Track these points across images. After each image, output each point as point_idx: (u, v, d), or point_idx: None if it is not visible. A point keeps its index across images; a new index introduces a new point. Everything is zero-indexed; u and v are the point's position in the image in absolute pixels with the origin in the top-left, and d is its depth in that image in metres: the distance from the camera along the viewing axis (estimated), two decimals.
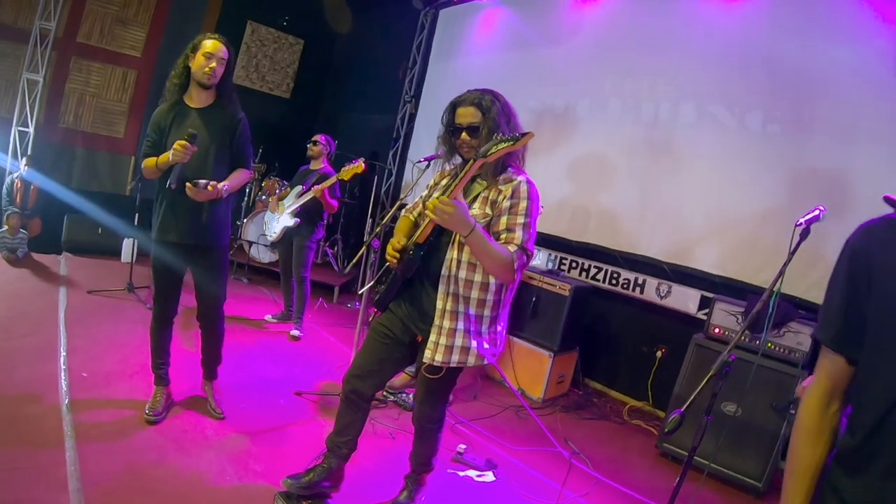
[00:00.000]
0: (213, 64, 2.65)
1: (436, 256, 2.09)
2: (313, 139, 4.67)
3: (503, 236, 1.99)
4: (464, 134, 2.07)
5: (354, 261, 3.58)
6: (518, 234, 1.98)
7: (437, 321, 2.09)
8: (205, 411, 3.02)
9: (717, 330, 3.46)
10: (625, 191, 4.58)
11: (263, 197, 6.34)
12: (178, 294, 2.87)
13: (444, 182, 2.24)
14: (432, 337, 2.09)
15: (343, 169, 4.33)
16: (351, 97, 8.04)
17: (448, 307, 2.07)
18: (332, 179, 4.38)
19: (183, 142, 2.53)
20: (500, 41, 5.86)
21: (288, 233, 4.61)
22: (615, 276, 4.55)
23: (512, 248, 1.97)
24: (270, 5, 7.49)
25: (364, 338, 2.33)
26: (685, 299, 4.12)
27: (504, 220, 2.00)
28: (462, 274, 2.05)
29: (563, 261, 4.90)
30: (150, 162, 2.65)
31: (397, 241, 2.16)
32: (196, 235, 2.74)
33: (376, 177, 6.56)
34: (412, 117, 6.89)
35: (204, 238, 2.75)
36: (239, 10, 7.21)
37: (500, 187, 2.03)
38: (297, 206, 4.54)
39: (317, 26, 7.85)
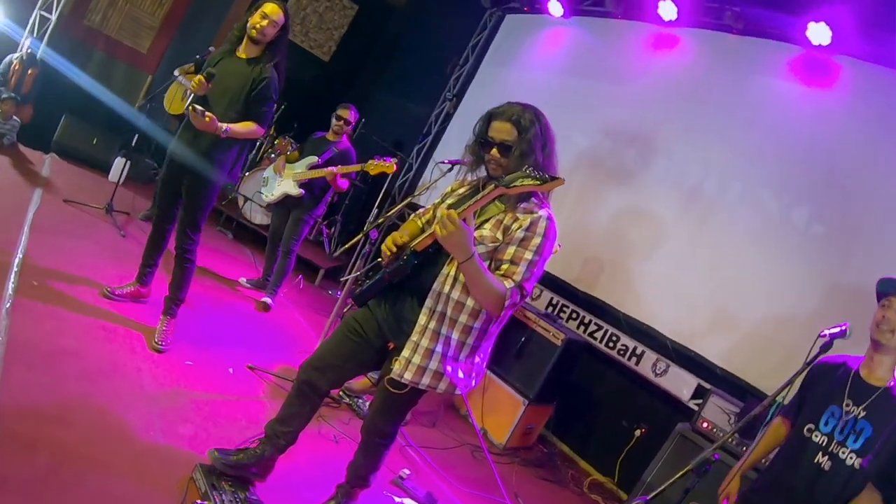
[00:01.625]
0: (265, 23, 3.08)
1: (430, 269, 2.08)
2: (345, 118, 4.67)
3: (504, 267, 1.99)
4: (494, 150, 2.06)
5: (347, 246, 3.59)
6: (521, 270, 1.98)
7: (414, 337, 2.08)
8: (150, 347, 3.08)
9: (705, 424, 3.44)
10: (648, 253, 4.59)
11: (272, 155, 6.35)
12: (173, 210, 3.30)
13: (461, 191, 2.24)
14: (405, 352, 2.08)
15: (371, 162, 4.31)
16: (390, 78, 8.08)
17: (430, 325, 2.06)
18: (356, 168, 4.39)
19: (200, 77, 3.01)
20: (560, 62, 5.91)
21: (287, 201, 4.62)
22: (614, 338, 4.54)
23: (509, 283, 1.96)
24: None
25: (333, 330, 2.32)
26: (680, 383, 4.11)
27: (512, 250, 2.00)
28: (454, 294, 2.04)
29: (565, 308, 4.89)
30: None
31: (400, 235, 2.16)
32: (188, 158, 3.12)
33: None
34: (448, 117, 6.93)
35: (194, 163, 3.10)
36: None
37: (518, 215, 2.02)
38: (306, 177, 4.54)
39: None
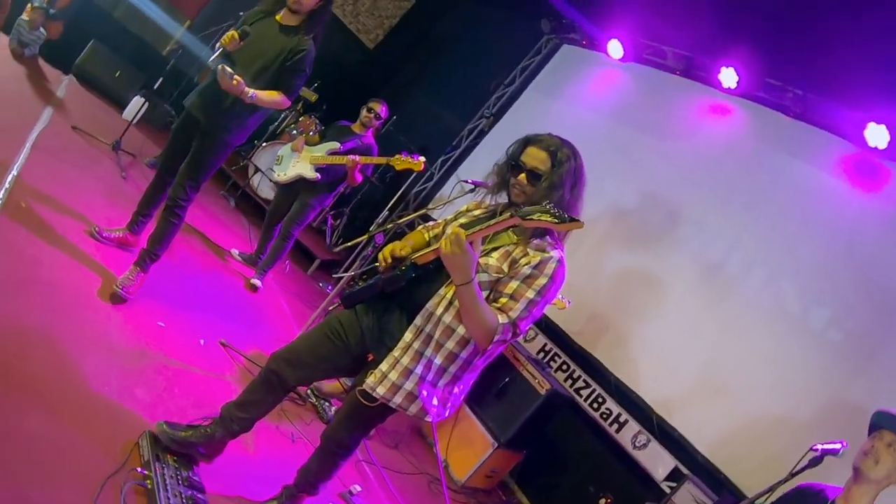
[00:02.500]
0: None
1: (427, 286, 2.08)
2: (377, 112, 4.70)
3: (503, 300, 1.99)
4: (523, 175, 2.07)
5: (349, 244, 3.59)
6: (518, 308, 1.98)
7: (396, 352, 2.08)
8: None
9: None
10: (654, 321, 4.59)
11: (294, 132, 6.40)
12: (179, 163, 3.27)
13: (476, 212, 2.26)
14: (383, 366, 2.08)
15: (398, 157, 4.32)
16: (431, 81, 8.14)
17: (414, 345, 2.06)
18: (381, 160, 4.41)
19: (234, 33, 3.00)
20: (608, 105, 5.96)
21: (298, 183, 4.63)
22: (600, 400, 4.52)
23: (503, 318, 1.96)
24: None
25: (315, 325, 2.32)
26: (657, 461, 4.07)
27: (514, 285, 2.00)
28: (446, 318, 2.04)
29: (556, 357, 4.88)
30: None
31: (401, 247, 2.16)
32: (207, 114, 3.15)
33: (415, 173, 6.57)
34: (482, 134, 6.98)
35: (210, 120, 3.13)
36: None
37: (529, 250, 2.02)
38: (324, 162, 4.56)
39: None
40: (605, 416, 4.44)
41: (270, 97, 3.12)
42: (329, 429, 2.39)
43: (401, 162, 4.31)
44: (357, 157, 4.44)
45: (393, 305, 2.18)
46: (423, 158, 4.33)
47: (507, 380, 4.29)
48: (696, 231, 4.76)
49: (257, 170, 6.08)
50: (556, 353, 4.89)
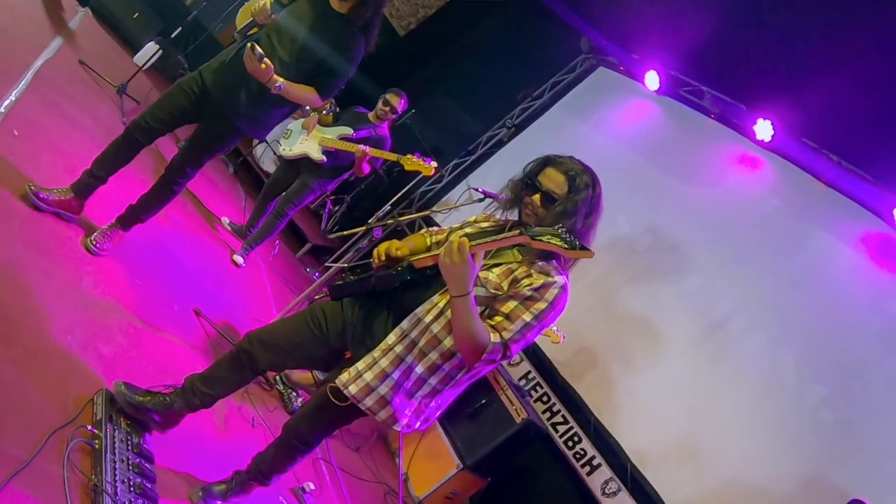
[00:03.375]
0: None
1: (420, 291, 2.09)
2: (393, 106, 4.69)
3: (498, 319, 2.00)
4: (537, 196, 2.08)
5: (345, 233, 3.60)
6: (513, 329, 1.98)
7: (375, 353, 2.08)
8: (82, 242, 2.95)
9: None
10: (645, 369, 4.60)
11: (308, 109, 6.39)
12: (168, 124, 2.93)
13: (484, 224, 2.27)
14: (360, 365, 2.08)
15: (409, 157, 4.30)
16: (457, 80, 8.11)
17: (396, 349, 2.06)
18: (391, 156, 4.41)
19: (268, 1, 2.70)
20: (636, 136, 5.99)
21: (303, 162, 4.63)
22: (576, 439, 4.53)
23: (495, 337, 1.96)
24: None
25: (297, 311, 2.32)
26: None
27: (512, 305, 2.00)
28: (434, 327, 2.04)
29: (538, 387, 4.89)
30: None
31: (398, 247, 2.16)
32: (226, 97, 2.84)
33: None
34: (500, 144, 7.00)
35: (230, 104, 2.84)
36: None
37: (532, 271, 2.03)
38: (333, 146, 4.56)
39: None
40: (578, 456, 4.45)
41: (303, 93, 2.81)
42: (292, 420, 2.38)
43: (411, 163, 4.31)
44: (367, 148, 4.44)
45: (381, 306, 2.18)
46: (434, 163, 4.34)
47: (483, 401, 4.29)
48: (703, 283, 4.78)
49: (262, 141, 6.08)
50: (538, 383, 4.90)
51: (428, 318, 2.04)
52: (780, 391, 4.08)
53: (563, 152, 2.16)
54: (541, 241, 1.83)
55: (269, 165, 6.08)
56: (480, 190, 4.01)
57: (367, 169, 4.58)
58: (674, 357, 4.55)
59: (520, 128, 6.95)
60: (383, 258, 2.15)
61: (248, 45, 2.58)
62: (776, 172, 5.04)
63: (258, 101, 2.83)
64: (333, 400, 2.13)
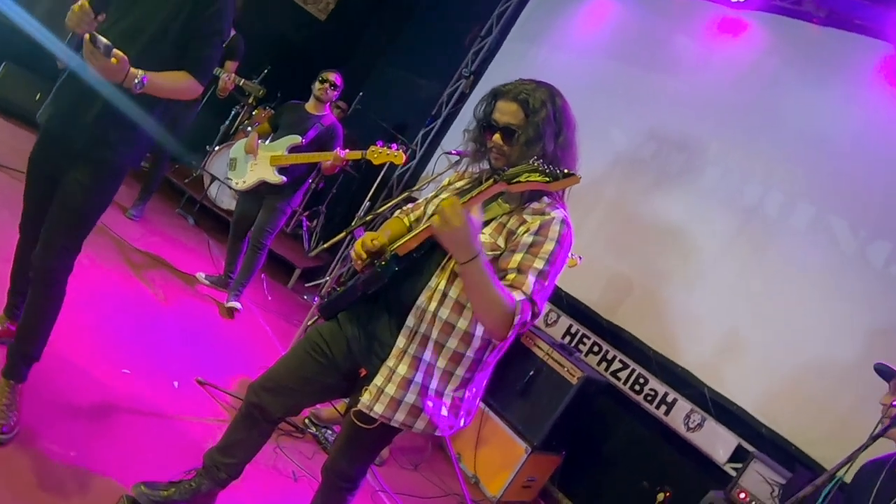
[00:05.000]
0: None
1: (414, 279, 2.04)
2: (331, 80, 4.65)
3: (509, 277, 1.94)
4: (497, 135, 2.02)
5: (327, 245, 3.55)
6: (529, 282, 1.92)
7: (389, 362, 2.04)
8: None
9: (742, 495, 3.40)
10: (688, 282, 4.56)
11: (250, 128, 6.35)
12: (46, 208, 2.43)
13: (459, 184, 2.22)
14: (377, 380, 2.04)
15: (373, 149, 4.29)
16: (398, 47, 8.09)
17: (409, 350, 2.02)
18: (356, 154, 4.38)
19: (84, 2, 2.12)
20: (603, 43, 5.89)
21: (262, 187, 4.59)
22: (642, 381, 4.51)
23: (518, 295, 1.90)
24: None
25: (294, 344, 2.29)
26: (716, 442, 4.07)
27: (518, 257, 1.95)
28: (442, 313, 1.99)
29: (585, 339, 4.87)
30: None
31: (373, 239, 2.10)
32: (73, 128, 2.34)
33: None
34: (463, 97, 6.92)
35: (80, 135, 2.33)
36: None
37: (525, 217, 1.99)
38: (288, 162, 4.51)
39: None
40: (649, 398, 4.43)
41: (172, 81, 2.34)
42: (329, 461, 2.37)
43: (378, 155, 4.28)
44: (341, 152, 4.39)
45: (378, 308, 2.14)
46: (400, 150, 4.30)
47: (531, 373, 4.29)
48: (722, 174, 4.71)
49: (213, 179, 6.05)
50: (583, 335, 4.88)
51: (432, 307, 2.00)
52: (840, 259, 4.02)
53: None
54: (519, 182, 1.79)
55: (229, 203, 6.05)
56: (454, 152, 3.95)
57: (337, 170, 4.55)
58: (715, 259, 4.50)
59: (478, 73, 6.86)
60: (364, 256, 2.11)
61: (87, 37, 2.06)
62: (764, 29, 4.93)
63: (106, 112, 2.31)
64: (362, 425, 2.10)
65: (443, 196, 2.21)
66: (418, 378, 2.03)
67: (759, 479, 3.42)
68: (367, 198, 6.28)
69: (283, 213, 4.66)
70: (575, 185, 1.81)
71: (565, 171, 1.76)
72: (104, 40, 2.08)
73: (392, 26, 8.31)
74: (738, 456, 3.90)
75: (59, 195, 2.38)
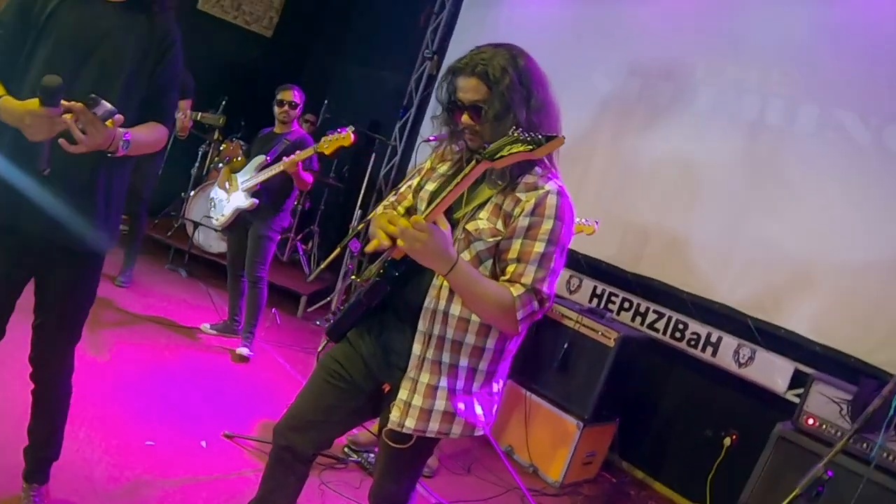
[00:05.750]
0: None
1: (417, 280, 2.01)
2: (288, 100, 4.64)
3: (510, 269, 1.91)
4: (464, 115, 1.98)
5: (324, 265, 3.54)
6: (531, 270, 1.89)
7: (410, 372, 2.01)
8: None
9: (811, 421, 3.36)
10: (704, 213, 4.52)
11: (221, 165, 6.34)
12: (7, 310, 2.25)
13: (442, 169, 2.17)
14: (402, 393, 2.01)
15: (324, 139, 4.31)
16: (353, 45, 8.04)
17: (428, 354, 1.99)
18: (308, 151, 4.37)
19: (80, 106, 1.86)
20: None
21: (243, 217, 4.59)
22: (681, 326, 4.47)
23: (516, 290, 1.88)
24: None
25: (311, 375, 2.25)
26: (772, 371, 4.03)
27: (517, 245, 1.92)
28: (454, 309, 1.96)
29: (613, 297, 4.84)
30: None
31: (387, 221, 1.91)
32: (46, 224, 2.08)
33: (375, 154, 6.54)
34: (432, 80, 6.85)
35: (65, 232, 2.10)
36: None
37: (518, 195, 1.95)
38: (256, 181, 4.51)
39: None
40: (692, 342, 4.40)
41: (148, 134, 2.22)
42: (374, 486, 2.33)
43: (327, 143, 4.29)
44: (292, 156, 4.37)
45: (388, 318, 2.11)
46: (350, 128, 4.31)
47: (565, 346, 4.27)
48: (715, 93, 4.64)
49: (196, 225, 6.04)
50: (611, 294, 4.85)
51: (442, 305, 1.97)
52: (858, 152, 3.93)
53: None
54: (502, 157, 1.74)
55: (219, 246, 6.05)
56: (432, 139, 3.92)
57: (308, 178, 4.52)
58: (728, 183, 4.44)
59: (441, 52, 6.80)
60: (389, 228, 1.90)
61: (81, 104, 1.85)
62: None
63: (91, 188, 2.14)
64: (397, 445, 2.07)
65: (428, 187, 2.17)
66: (443, 382, 2.00)
67: (825, 400, 3.37)
68: (358, 206, 6.28)
69: (270, 241, 4.64)
70: (561, 146, 1.77)
71: (547, 134, 1.72)
72: (107, 104, 1.90)
73: (341, 25, 8.27)
74: (798, 381, 3.86)
75: (43, 305, 2.26)
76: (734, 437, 4.14)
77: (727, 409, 4.28)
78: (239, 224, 4.64)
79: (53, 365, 2.37)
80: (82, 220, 2.13)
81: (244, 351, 4.54)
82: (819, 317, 3.94)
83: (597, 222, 4.14)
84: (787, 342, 4.03)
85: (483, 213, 1.96)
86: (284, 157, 4.40)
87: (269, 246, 4.64)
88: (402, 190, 2.33)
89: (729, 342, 4.25)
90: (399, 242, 1.80)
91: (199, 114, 4.82)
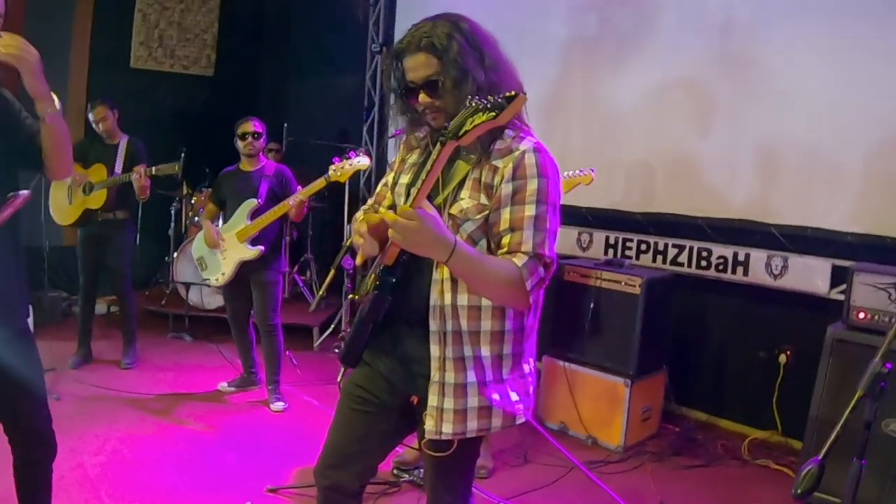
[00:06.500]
0: None
1: (417, 280, 1.98)
2: (250, 131, 4.57)
3: (506, 240, 1.89)
4: (421, 95, 1.95)
5: (322, 291, 3.52)
6: (528, 236, 1.87)
7: (434, 376, 1.98)
8: None
9: (861, 315, 3.32)
10: (700, 131, 4.48)
11: (196, 218, 6.33)
12: None
13: (411, 160, 2.15)
14: (431, 400, 1.99)
15: (335, 167, 4.21)
16: (299, 61, 8.03)
17: (448, 353, 1.96)
18: (319, 183, 4.30)
19: None
20: None
21: (243, 269, 4.53)
22: (704, 254, 4.45)
23: (519, 259, 1.85)
24: None
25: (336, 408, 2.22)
26: (809, 274, 4.02)
27: (506, 215, 1.89)
28: (461, 300, 1.94)
29: (628, 244, 4.83)
30: None
31: (364, 222, 1.97)
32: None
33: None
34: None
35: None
36: None
37: (495, 163, 1.91)
38: (259, 230, 4.45)
39: None
40: (720, 266, 4.39)
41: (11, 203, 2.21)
42: (428, 499, 2.31)
43: (341, 172, 4.23)
44: (297, 195, 4.34)
45: (397, 328, 2.08)
46: (360, 154, 4.27)
47: (591, 306, 4.28)
48: (676, 4, 4.61)
49: (189, 285, 6.03)
50: (625, 241, 4.85)
51: (448, 298, 1.95)
52: (839, 15, 3.86)
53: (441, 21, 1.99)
54: (467, 131, 1.70)
55: (215, 301, 6.04)
56: (397, 132, 3.88)
57: (305, 210, 4.51)
58: (714, 94, 4.41)
59: (388, 42, 6.74)
60: (364, 231, 1.97)
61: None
62: None
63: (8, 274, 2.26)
64: (440, 454, 2.04)
65: (403, 181, 2.14)
66: (471, 377, 1.98)
67: (870, 289, 3.33)
68: (346, 221, 6.26)
69: (276, 285, 4.62)
70: (525, 103, 1.73)
71: (506, 95, 1.68)
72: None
73: (281, 44, 8.27)
74: (839, 278, 3.84)
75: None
76: (788, 352, 4.15)
77: (774, 326, 4.28)
78: (239, 276, 4.57)
79: (37, 451, 2.42)
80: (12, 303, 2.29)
81: (279, 405, 4.54)
82: (843, 205, 3.91)
83: (592, 170, 4.10)
84: (817, 241, 4.02)
85: (464, 193, 1.94)
86: (290, 198, 4.35)
87: (276, 291, 4.62)
88: (378, 190, 2.31)
89: (758, 256, 4.23)
90: (391, 234, 1.76)
91: (153, 168, 4.77)
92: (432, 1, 6.02)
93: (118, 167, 4.90)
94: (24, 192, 2.12)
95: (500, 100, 1.67)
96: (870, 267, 3.41)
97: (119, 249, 5.04)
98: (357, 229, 1.97)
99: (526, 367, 2.10)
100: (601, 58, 4.99)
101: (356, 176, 6.73)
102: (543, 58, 5.12)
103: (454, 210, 1.92)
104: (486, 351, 1.98)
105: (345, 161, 4.24)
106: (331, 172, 4.25)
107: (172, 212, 6.66)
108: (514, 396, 2.04)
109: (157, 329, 6.10)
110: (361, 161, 4.24)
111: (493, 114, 1.66)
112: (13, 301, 2.30)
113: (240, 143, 4.61)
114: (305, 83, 7.90)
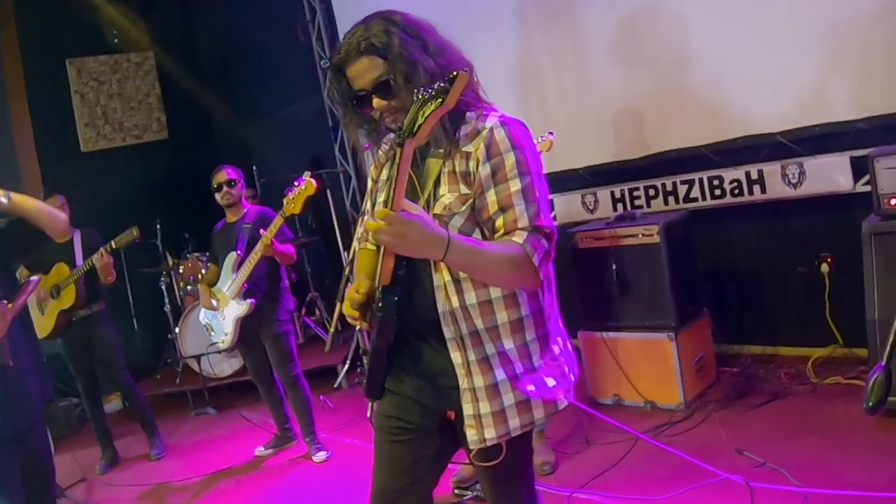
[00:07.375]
0: None
1: (420, 291, 1.99)
2: (224, 180, 4.61)
3: (499, 222, 1.89)
4: (374, 100, 1.95)
5: (332, 329, 3.49)
6: (521, 212, 1.87)
7: (463, 383, 1.98)
8: None
9: (893, 201, 3.33)
10: (678, 60, 4.48)
11: (189, 287, 6.35)
12: None
13: (384, 176, 2.16)
14: (467, 409, 1.98)
15: (286, 200, 4.24)
16: (251, 98, 8.08)
17: (470, 357, 1.96)
18: (277, 222, 4.34)
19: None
20: None
21: (247, 324, 4.56)
22: (715, 182, 4.47)
23: (519, 237, 1.85)
24: (86, 27, 7.46)
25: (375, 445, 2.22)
26: (829, 173, 4.03)
27: (492, 196, 1.89)
28: (469, 299, 1.94)
29: (636, 193, 4.84)
30: None
31: (357, 290, 2.00)
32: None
33: (328, 190, 6.53)
34: None
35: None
36: (47, 50, 7.19)
37: (465, 150, 1.92)
38: (240, 282, 4.47)
39: (162, 22, 7.87)
40: (735, 190, 4.40)
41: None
42: None
43: (292, 203, 4.23)
44: (263, 241, 4.32)
45: (413, 345, 2.08)
46: (306, 175, 4.28)
47: (614, 267, 4.30)
48: None
49: (199, 357, 6.04)
50: (631, 190, 4.86)
51: (455, 301, 1.95)
52: None
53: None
54: (420, 125, 1.71)
55: (230, 365, 6.08)
56: (367, 146, 3.89)
57: (289, 249, 4.51)
58: (683, 16, 4.40)
59: (335, 52, 6.76)
60: (358, 314, 2.00)
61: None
62: None
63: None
64: (491, 462, 2.04)
65: (381, 198, 2.13)
66: (500, 375, 1.97)
67: (895, 172, 3.32)
68: (342, 249, 6.26)
69: (286, 335, 4.64)
70: (468, 80, 1.73)
71: (448, 77, 1.69)
72: None
73: (229, 87, 8.33)
74: (860, 169, 3.86)
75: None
76: (829, 260, 4.16)
77: (807, 236, 4.31)
78: (247, 333, 4.61)
79: None
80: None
81: (321, 455, 4.55)
82: (844, 93, 3.92)
83: (551, 133, 4.07)
84: (827, 137, 4.03)
85: (443, 189, 1.95)
86: (262, 241, 4.35)
87: (289, 340, 4.63)
88: (362, 218, 2.32)
89: (772, 169, 4.25)
90: (383, 240, 1.76)
91: (112, 243, 4.76)
92: (367, 3, 6.13)
93: (79, 260, 4.89)
94: (34, 279, 2.48)
95: (443, 84, 1.68)
96: (889, 150, 3.42)
97: (105, 342, 5.04)
98: (350, 314, 2.00)
99: (556, 349, 2.09)
100: (557, 9, 4.98)
101: (341, 201, 6.78)
102: (499, 26, 5.12)
103: (438, 209, 1.92)
104: (509, 343, 1.97)
105: (295, 191, 4.24)
106: (284, 207, 4.26)
107: (163, 287, 6.67)
108: (550, 382, 2.03)
109: (178, 409, 6.13)
110: (305, 186, 4.23)
111: (440, 100, 1.68)
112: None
113: (218, 196, 4.64)
114: (264, 118, 7.92)
